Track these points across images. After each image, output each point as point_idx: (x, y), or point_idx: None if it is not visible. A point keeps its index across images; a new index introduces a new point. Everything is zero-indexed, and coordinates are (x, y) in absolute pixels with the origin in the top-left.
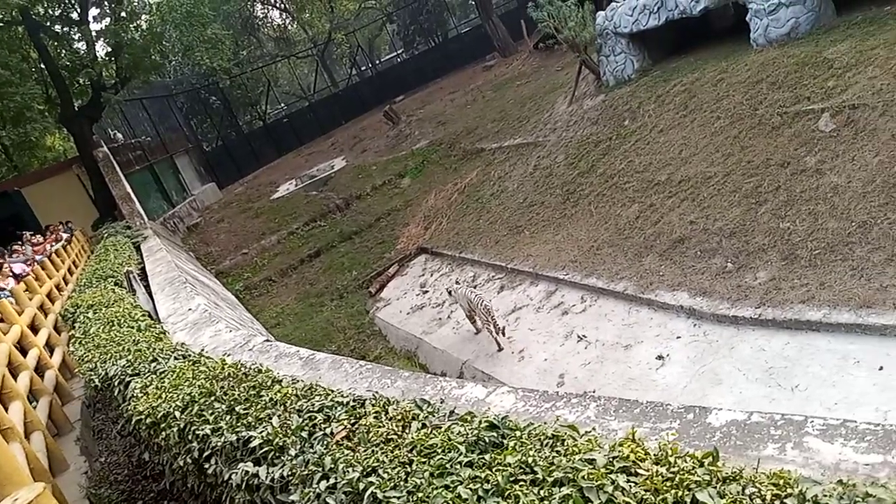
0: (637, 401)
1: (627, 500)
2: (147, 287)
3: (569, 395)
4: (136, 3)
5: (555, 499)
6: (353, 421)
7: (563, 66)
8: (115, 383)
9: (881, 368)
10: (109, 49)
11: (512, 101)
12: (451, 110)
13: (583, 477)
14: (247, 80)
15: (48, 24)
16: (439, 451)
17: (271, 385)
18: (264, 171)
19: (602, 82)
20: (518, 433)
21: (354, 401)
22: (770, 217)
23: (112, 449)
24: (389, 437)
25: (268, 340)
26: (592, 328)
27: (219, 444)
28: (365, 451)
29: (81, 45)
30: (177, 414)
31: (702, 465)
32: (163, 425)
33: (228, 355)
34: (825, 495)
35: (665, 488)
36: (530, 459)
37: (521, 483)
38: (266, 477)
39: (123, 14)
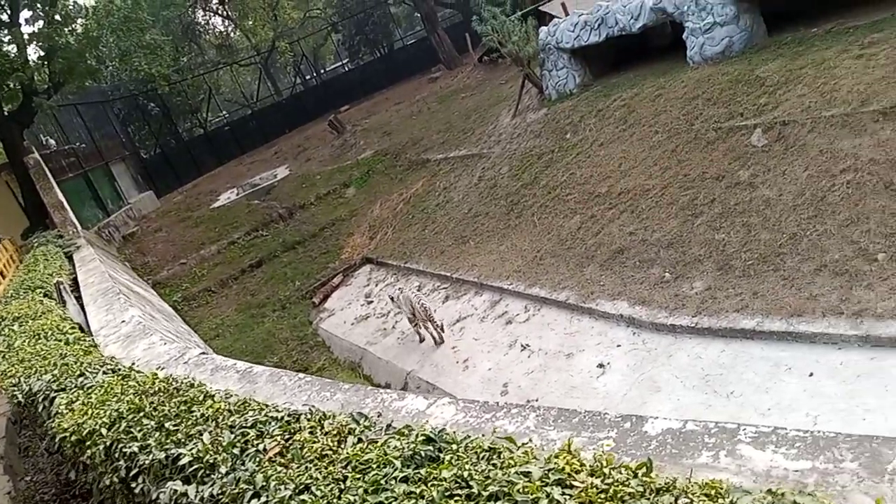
0: (576, 410)
1: None
2: (79, 298)
3: (509, 405)
4: (70, 7)
5: None
6: (286, 436)
7: (507, 80)
8: (40, 399)
9: (811, 375)
10: (42, 53)
11: (457, 112)
12: (396, 121)
13: (518, 490)
14: (187, 87)
15: None
16: (374, 466)
17: (203, 400)
18: (204, 179)
19: (545, 96)
20: (455, 446)
21: (289, 415)
22: (706, 228)
23: (39, 467)
24: (324, 452)
25: (204, 353)
26: (536, 337)
27: (147, 461)
28: (298, 467)
29: (12, 48)
30: (103, 431)
31: (636, 476)
32: (88, 443)
33: (162, 369)
34: None
35: (599, 500)
36: (466, 473)
37: (456, 498)
38: (195, 496)
39: (57, 17)
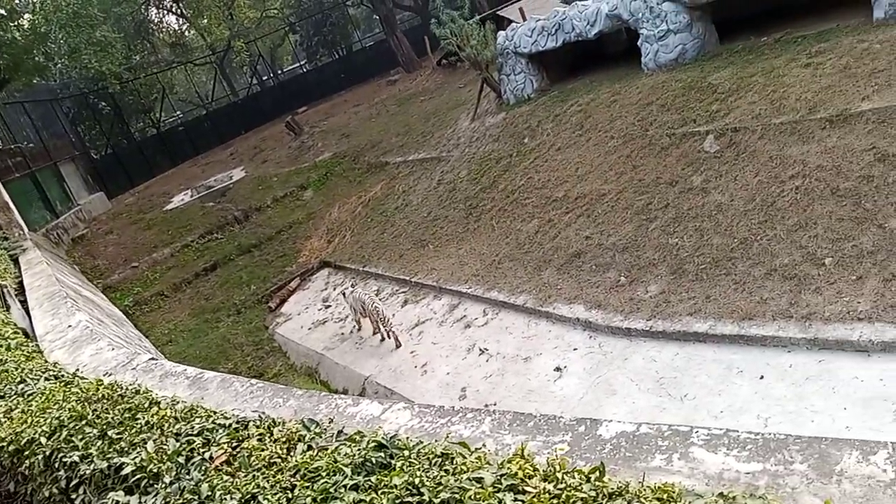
0: (531, 414)
1: None
2: (24, 303)
3: (465, 409)
4: (16, 2)
5: None
6: (234, 444)
7: (465, 84)
8: None
9: (762, 377)
10: None
11: (416, 115)
12: (355, 123)
13: (470, 497)
14: (140, 86)
15: None
16: (324, 474)
17: (149, 407)
18: (157, 180)
19: (503, 100)
20: (407, 452)
21: (238, 422)
22: (660, 233)
23: None
24: (272, 460)
25: (153, 359)
26: (494, 341)
27: (88, 472)
28: (245, 476)
29: None
30: (42, 440)
31: (589, 480)
32: (27, 452)
33: (109, 375)
34: None
35: None
36: (417, 480)
37: None
38: None
39: (2, 12)
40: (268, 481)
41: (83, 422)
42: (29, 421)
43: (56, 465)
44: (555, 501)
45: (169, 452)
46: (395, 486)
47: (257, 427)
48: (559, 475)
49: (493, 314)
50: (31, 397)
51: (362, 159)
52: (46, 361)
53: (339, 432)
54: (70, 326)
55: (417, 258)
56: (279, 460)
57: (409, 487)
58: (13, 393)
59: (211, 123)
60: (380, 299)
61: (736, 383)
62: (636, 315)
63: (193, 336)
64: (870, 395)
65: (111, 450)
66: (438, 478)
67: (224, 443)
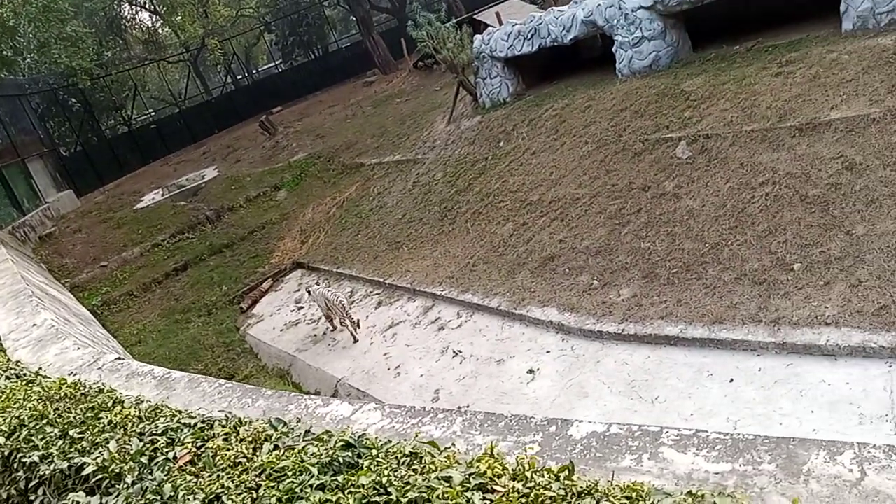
0: (502, 414)
1: None
2: None
3: (436, 410)
4: None
5: None
6: (199, 444)
7: (441, 86)
8: None
9: (731, 381)
10: None
11: (392, 117)
12: (330, 124)
13: (437, 496)
14: (111, 83)
15: None
16: (290, 473)
17: (112, 406)
18: (128, 179)
19: (479, 104)
20: (375, 452)
21: (203, 422)
22: (632, 237)
23: None
24: (238, 460)
25: (120, 358)
26: (468, 343)
27: (48, 472)
28: (210, 476)
29: None
30: (1, 440)
31: (558, 479)
32: None
33: (74, 374)
34: None
35: None
36: (385, 479)
37: None
38: None
39: None
40: (232, 481)
41: (44, 421)
42: None
43: (15, 465)
44: (523, 500)
45: (132, 452)
46: (363, 485)
47: (223, 426)
48: (528, 474)
49: (467, 316)
50: None
51: (337, 160)
52: (9, 360)
53: (307, 432)
54: (35, 325)
55: (392, 260)
56: (245, 460)
57: (377, 487)
58: None
59: (183, 122)
60: (353, 301)
61: (706, 386)
62: (608, 318)
63: (163, 337)
64: (836, 398)
65: (72, 450)
66: (406, 477)
67: (189, 442)
